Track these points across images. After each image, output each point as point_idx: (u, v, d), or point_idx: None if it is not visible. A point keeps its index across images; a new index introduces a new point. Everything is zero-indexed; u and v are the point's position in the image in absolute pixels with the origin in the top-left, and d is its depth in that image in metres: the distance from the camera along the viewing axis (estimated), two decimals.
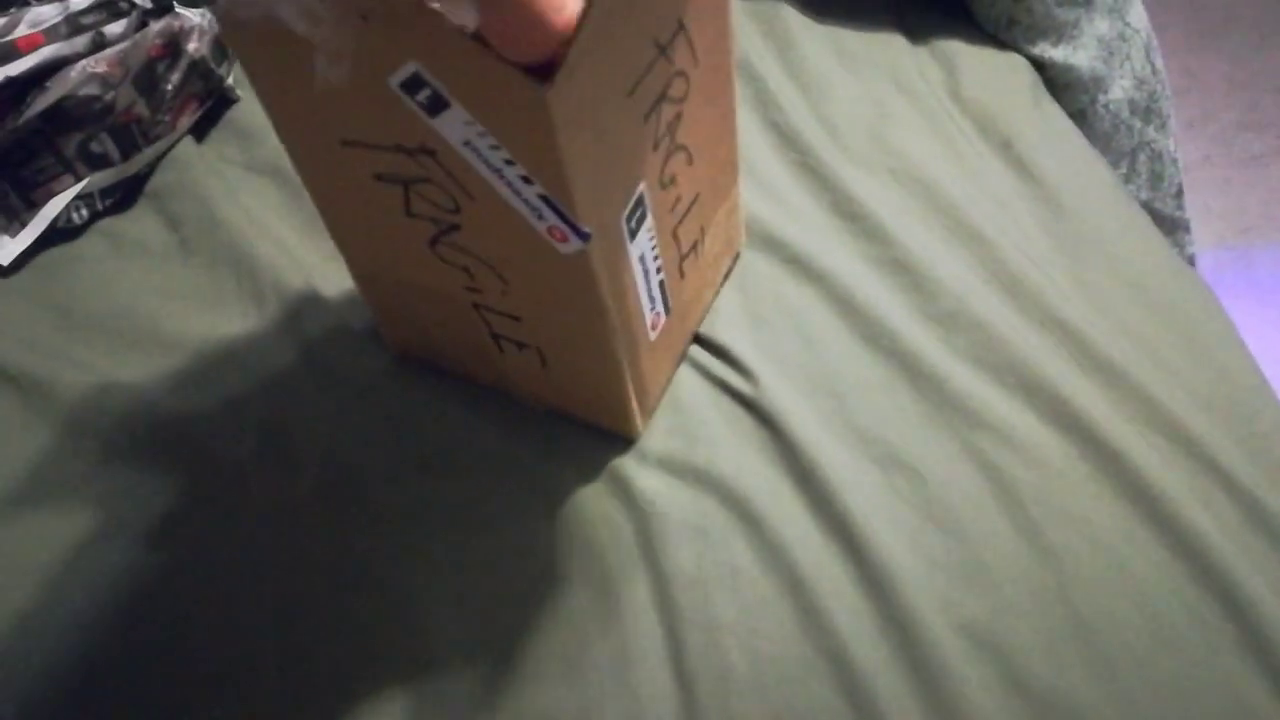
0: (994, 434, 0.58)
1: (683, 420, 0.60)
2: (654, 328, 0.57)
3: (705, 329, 0.64)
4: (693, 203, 0.58)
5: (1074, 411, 0.58)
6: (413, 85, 0.43)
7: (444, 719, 0.50)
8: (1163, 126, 0.88)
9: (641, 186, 0.51)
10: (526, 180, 0.45)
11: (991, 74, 0.81)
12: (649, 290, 0.55)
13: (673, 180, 0.55)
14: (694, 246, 0.60)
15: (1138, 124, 0.87)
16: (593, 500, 0.57)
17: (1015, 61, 0.83)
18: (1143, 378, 0.60)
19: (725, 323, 0.64)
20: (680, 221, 0.57)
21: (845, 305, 0.65)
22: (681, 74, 0.52)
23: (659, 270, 0.56)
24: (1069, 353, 0.62)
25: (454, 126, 0.44)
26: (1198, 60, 1.77)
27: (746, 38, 0.83)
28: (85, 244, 0.69)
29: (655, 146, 0.52)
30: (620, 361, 0.55)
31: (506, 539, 0.56)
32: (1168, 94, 0.89)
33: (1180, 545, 0.53)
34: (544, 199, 0.45)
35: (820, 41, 0.83)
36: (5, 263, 0.67)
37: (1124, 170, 0.87)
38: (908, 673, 0.50)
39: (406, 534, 0.57)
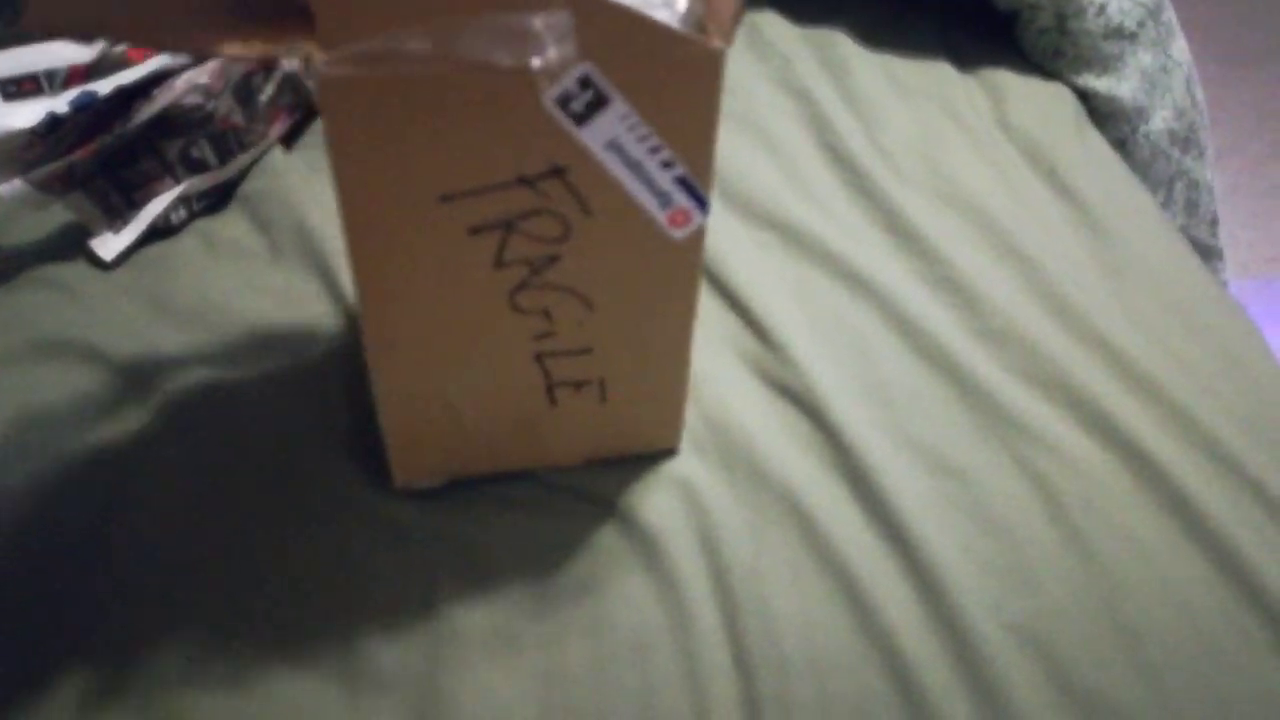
0: (1041, 445, 0.61)
1: (740, 421, 0.63)
2: None
3: (766, 333, 0.68)
4: None
5: (1118, 426, 0.61)
6: (571, 93, 0.41)
7: (516, 693, 0.53)
8: (1200, 156, 0.91)
9: None
10: (667, 165, 0.45)
11: (1037, 103, 0.84)
12: None
13: None
14: None
15: (1176, 153, 0.90)
16: (654, 497, 0.59)
17: (1060, 91, 0.86)
18: (1184, 397, 0.63)
19: (783, 329, 0.67)
20: None
21: (898, 319, 0.68)
22: None
23: None
24: (1113, 370, 0.65)
25: (605, 128, 0.43)
26: (1227, 91, 1.79)
27: (803, 63, 0.87)
28: (182, 243, 0.73)
29: None
30: (689, 349, 0.56)
31: (566, 533, 0.58)
32: (1206, 124, 0.92)
33: (1220, 559, 0.56)
34: (679, 180, 0.46)
35: (874, 69, 0.86)
36: (109, 259, 0.71)
37: (1161, 198, 0.91)
38: (956, 666, 0.53)
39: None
